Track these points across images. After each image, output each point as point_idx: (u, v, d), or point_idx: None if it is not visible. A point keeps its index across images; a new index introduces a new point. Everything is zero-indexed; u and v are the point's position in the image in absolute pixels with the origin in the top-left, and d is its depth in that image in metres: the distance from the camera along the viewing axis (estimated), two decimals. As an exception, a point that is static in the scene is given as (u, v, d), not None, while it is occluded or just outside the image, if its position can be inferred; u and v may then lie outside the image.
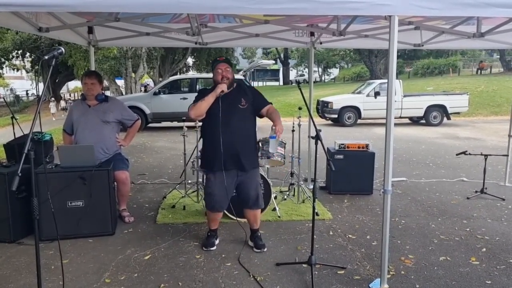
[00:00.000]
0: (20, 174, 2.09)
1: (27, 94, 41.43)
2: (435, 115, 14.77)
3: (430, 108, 14.74)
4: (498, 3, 2.55)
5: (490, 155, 5.45)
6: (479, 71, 32.04)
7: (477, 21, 4.56)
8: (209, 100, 3.36)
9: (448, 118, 14.94)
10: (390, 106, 2.80)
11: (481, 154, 5.47)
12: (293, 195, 5.26)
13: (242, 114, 3.48)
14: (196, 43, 5.59)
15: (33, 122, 2.26)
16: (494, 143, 10.32)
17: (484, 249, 3.72)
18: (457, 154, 5.84)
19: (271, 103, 3.63)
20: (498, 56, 34.32)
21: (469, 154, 5.57)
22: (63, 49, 2.35)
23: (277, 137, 3.42)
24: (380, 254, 2.98)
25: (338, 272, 3.27)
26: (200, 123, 3.66)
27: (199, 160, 4.69)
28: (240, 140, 3.44)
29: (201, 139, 3.71)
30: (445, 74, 32.29)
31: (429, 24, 4.79)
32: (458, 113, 15.35)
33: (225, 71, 3.45)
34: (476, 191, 5.48)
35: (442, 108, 14.76)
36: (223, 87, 3.37)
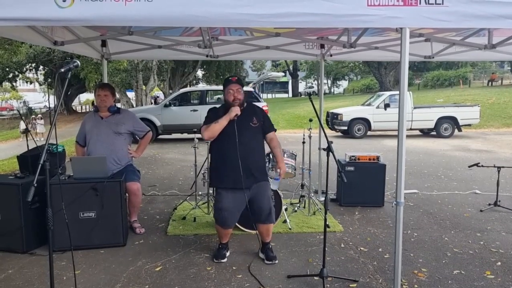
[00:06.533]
0: (35, 185, 2.12)
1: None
2: (446, 127, 14.66)
3: (441, 120, 14.65)
4: (510, 15, 2.55)
5: (503, 167, 5.38)
6: (490, 82, 31.82)
7: (488, 33, 4.55)
8: (223, 123, 3.42)
9: (459, 130, 14.83)
10: (402, 117, 2.80)
11: (494, 166, 5.40)
12: (304, 207, 5.24)
13: (253, 132, 3.56)
14: (207, 55, 5.66)
15: (49, 133, 2.30)
16: (506, 156, 10.20)
17: (499, 263, 3.65)
18: (469, 166, 5.77)
19: (275, 130, 3.74)
20: (509, 68, 34.08)
21: (482, 166, 5.51)
22: (78, 62, 2.41)
23: (280, 179, 3.56)
24: (393, 267, 2.94)
25: (351, 285, 3.23)
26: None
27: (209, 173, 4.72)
28: (252, 157, 3.51)
29: (210, 156, 3.74)
30: (455, 86, 32.11)
31: (439, 36, 4.78)
32: (469, 125, 15.23)
33: (237, 92, 3.50)
34: (489, 204, 5.40)
35: (453, 120, 14.66)
36: (237, 111, 3.42)
